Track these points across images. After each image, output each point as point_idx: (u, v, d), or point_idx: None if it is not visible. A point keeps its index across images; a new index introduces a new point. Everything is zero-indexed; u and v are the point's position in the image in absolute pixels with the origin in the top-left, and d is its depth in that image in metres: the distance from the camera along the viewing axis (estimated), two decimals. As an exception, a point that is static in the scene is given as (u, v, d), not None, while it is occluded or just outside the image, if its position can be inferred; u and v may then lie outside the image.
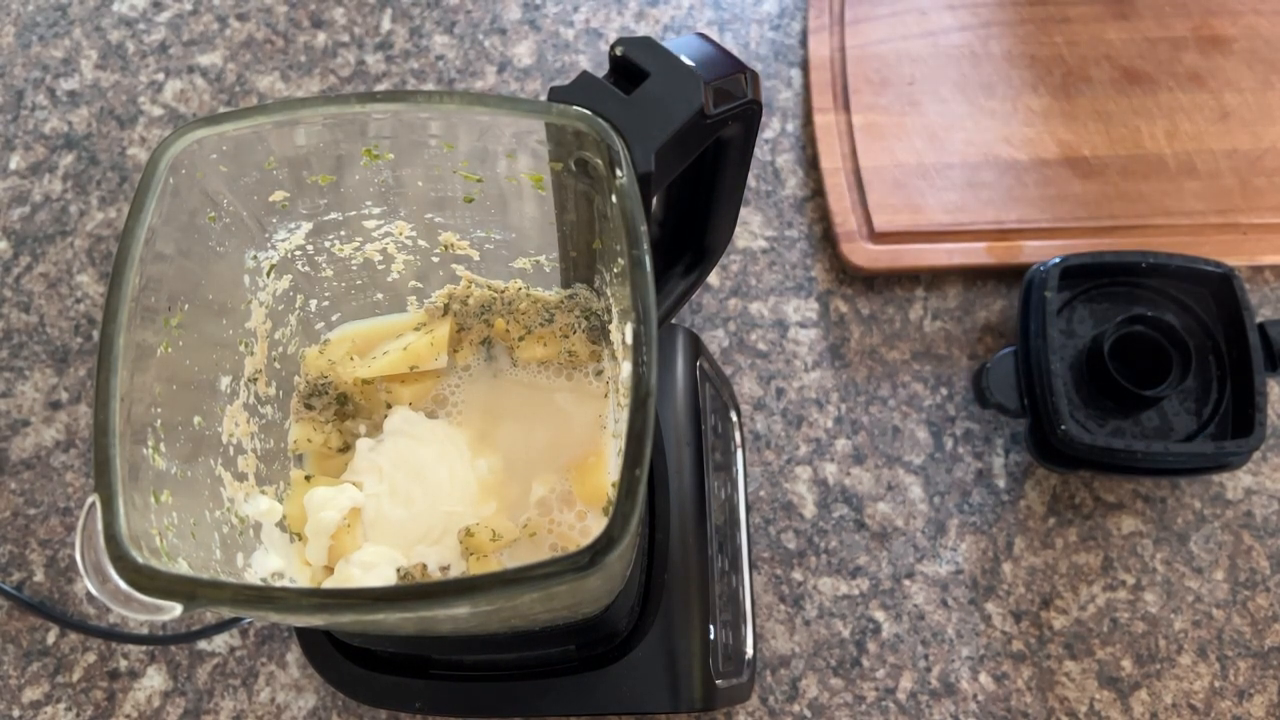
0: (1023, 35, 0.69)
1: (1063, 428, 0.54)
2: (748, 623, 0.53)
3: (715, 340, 0.63)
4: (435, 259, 0.40)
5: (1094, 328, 0.59)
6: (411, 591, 0.26)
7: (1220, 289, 0.58)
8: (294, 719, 0.55)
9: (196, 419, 0.34)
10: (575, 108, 0.32)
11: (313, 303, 0.41)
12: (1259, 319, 0.60)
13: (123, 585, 0.26)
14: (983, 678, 0.55)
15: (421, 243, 0.40)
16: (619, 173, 0.31)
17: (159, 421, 0.31)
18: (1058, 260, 0.58)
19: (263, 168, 0.34)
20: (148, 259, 0.30)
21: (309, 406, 0.41)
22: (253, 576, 0.35)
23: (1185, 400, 0.58)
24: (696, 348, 0.51)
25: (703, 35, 0.35)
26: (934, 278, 0.64)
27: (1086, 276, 0.59)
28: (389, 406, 0.41)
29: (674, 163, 0.34)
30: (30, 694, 0.55)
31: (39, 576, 0.58)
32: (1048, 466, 0.57)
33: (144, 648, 0.56)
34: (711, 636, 0.46)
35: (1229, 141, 0.65)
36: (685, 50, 0.34)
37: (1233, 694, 0.55)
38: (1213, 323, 0.58)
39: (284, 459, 0.39)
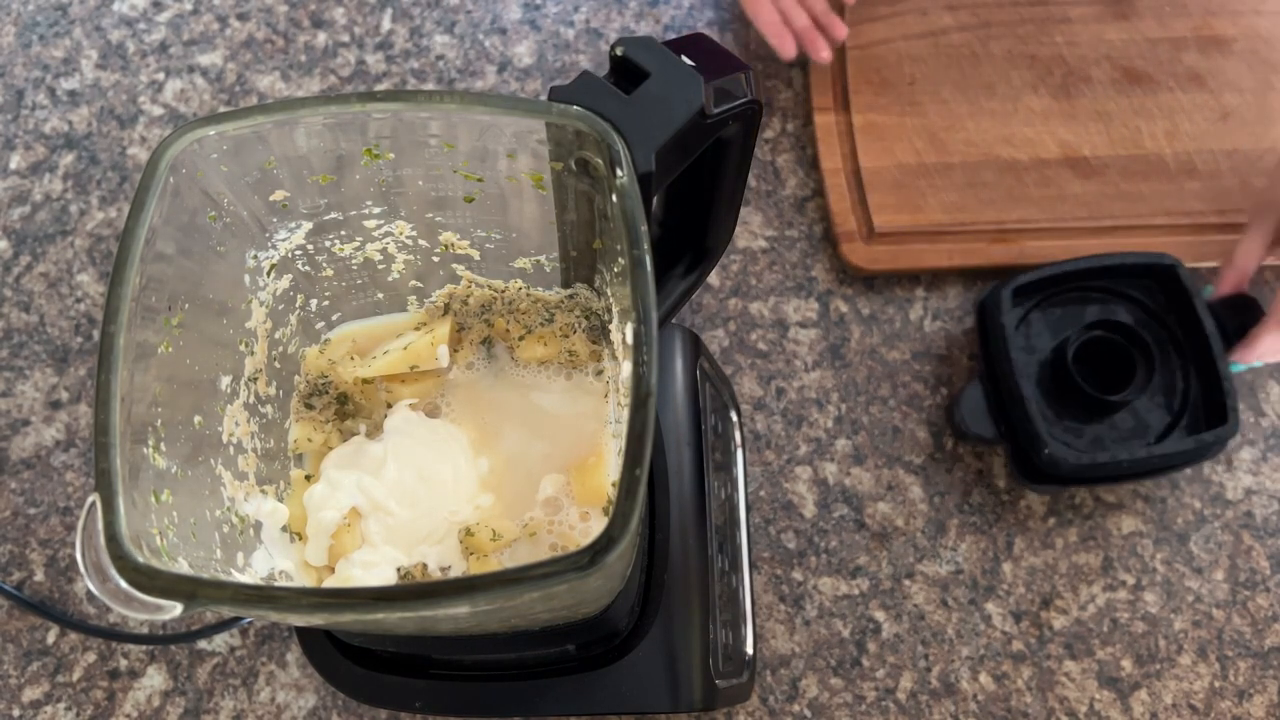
0: (1023, 35, 0.69)
1: (1047, 451, 0.54)
2: (748, 623, 0.53)
3: (715, 340, 0.63)
4: (435, 259, 0.40)
5: (1052, 338, 0.58)
6: (411, 591, 0.26)
7: (1168, 280, 0.58)
8: (294, 719, 0.55)
9: (197, 419, 0.34)
10: (575, 108, 0.32)
11: (313, 302, 0.41)
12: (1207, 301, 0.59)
13: (123, 585, 0.26)
14: (983, 678, 0.55)
15: (422, 242, 0.40)
16: (619, 172, 0.31)
17: (159, 421, 0.31)
18: (1005, 284, 0.58)
19: (263, 167, 0.34)
20: (148, 259, 0.30)
21: (309, 406, 0.41)
22: (253, 576, 0.35)
23: (1155, 396, 0.57)
24: (696, 348, 0.51)
25: (703, 35, 0.35)
26: (934, 278, 0.64)
27: (1036, 291, 0.59)
28: (389, 406, 0.41)
29: (674, 163, 0.34)
30: (30, 693, 0.55)
31: (39, 576, 0.58)
32: (1036, 489, 0.56)
33: (144, 647, 0.56)
34: (711, 636, 0.46)
35: (1229, 141, 0.65)
36: (685, 50, 0.34)
37: (1233, 694, 0.55)
38: (1165, 315, 0.58)
39: (284, 459, 0.39)
